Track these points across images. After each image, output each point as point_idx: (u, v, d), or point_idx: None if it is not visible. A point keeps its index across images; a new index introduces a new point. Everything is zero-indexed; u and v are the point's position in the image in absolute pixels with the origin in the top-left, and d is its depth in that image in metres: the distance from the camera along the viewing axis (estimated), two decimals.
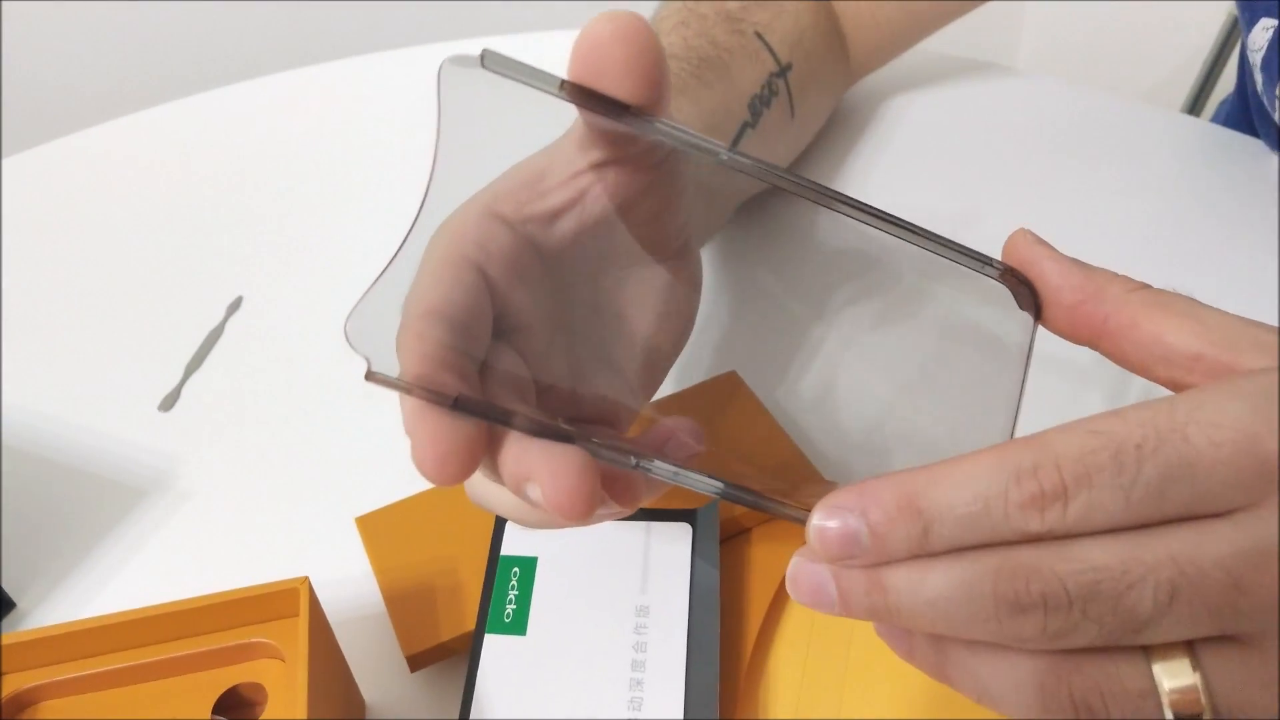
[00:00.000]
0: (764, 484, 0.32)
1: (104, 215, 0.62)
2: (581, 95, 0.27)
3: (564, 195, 0.30)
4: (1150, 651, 0.22)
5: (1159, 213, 0.55)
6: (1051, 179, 0.57)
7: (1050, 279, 0.27)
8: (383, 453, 0.46)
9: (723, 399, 0.44)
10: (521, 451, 0.25)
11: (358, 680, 0.38)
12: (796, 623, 0.38)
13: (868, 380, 0.40)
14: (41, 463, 0.48)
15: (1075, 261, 0.27)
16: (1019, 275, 0.28)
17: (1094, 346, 0.27)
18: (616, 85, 0.27)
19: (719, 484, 0.27)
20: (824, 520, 0.23)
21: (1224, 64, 0.83)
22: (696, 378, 0.45)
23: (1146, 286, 0.26)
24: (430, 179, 0.27)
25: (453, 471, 0.24)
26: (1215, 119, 0.71)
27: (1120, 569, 0.21)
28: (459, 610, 0.38)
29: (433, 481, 0.25)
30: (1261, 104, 0.54)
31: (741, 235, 0.52)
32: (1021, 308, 0.28)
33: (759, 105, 0.49)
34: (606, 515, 0.28)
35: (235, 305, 0.55)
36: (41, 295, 0.57)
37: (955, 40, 0.67)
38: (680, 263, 0.34)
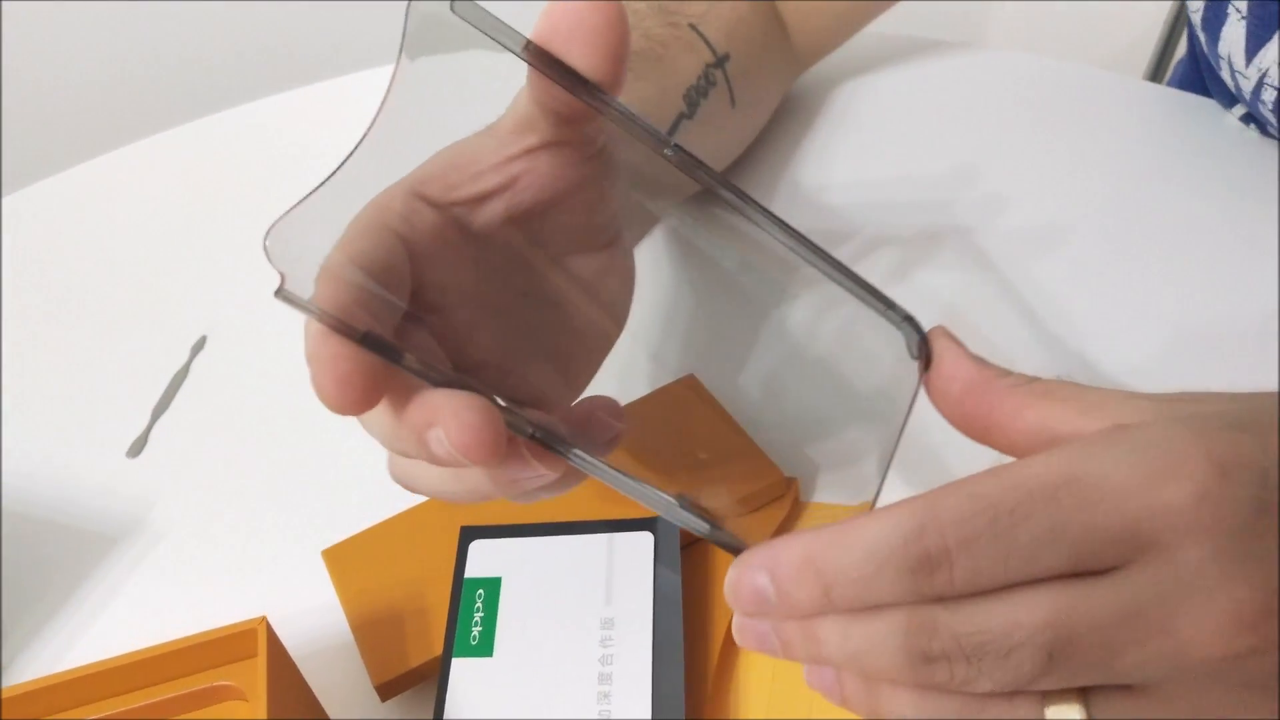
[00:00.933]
0: (699, 485, 0.33)
1: (59, 263, 0.62)
2: (543, 60, 0.27)
3: (494, 180, 0.30)
4: (1046, 695, 0.23)
5: (1119, 178, 0.54)
6: (1012, 152, 0.57)
7: (943, 369, 0.27)
8: (348, 484, 0.46)
9: (683, 402, 0.44)
10: (424, 399, 0.25)
11: (329, 712, 0.38)
12: None
13: (793, 383, 0.41)
14: (12, 517, 0.48)
15: (970, 357, 0.27)
16: (917, 327, 0.28)
17: (985, 440, 0.27)
18: (582, 52, 0.26)
19: (616, 473, 0.27)
20: (737, 578, 0.24)
21: (1184, 26, 0.82)
22: (657, 382, 0.45)
23: (1034, 379, 0.26)
24: (379, 110, 0.27)
25: (353, 397, 0.24)
26: (1171, 80, 0.70)
27: (1003, 632, 0.22)
28: (426, 636, 0.38)
29: (332, 407, 0.24)
30: (1210, 63, 0.54)
31: (691, 234, 0.52)
32: (912, 356, 0.29)
33: (695, 96, 0.49)
34: (534, 479, 0.27)
35: (200, 345, 0.55)
36: (3, 347, 0.57)
37: (922, 22, 0.67)
38: (611, 254, 0.33)
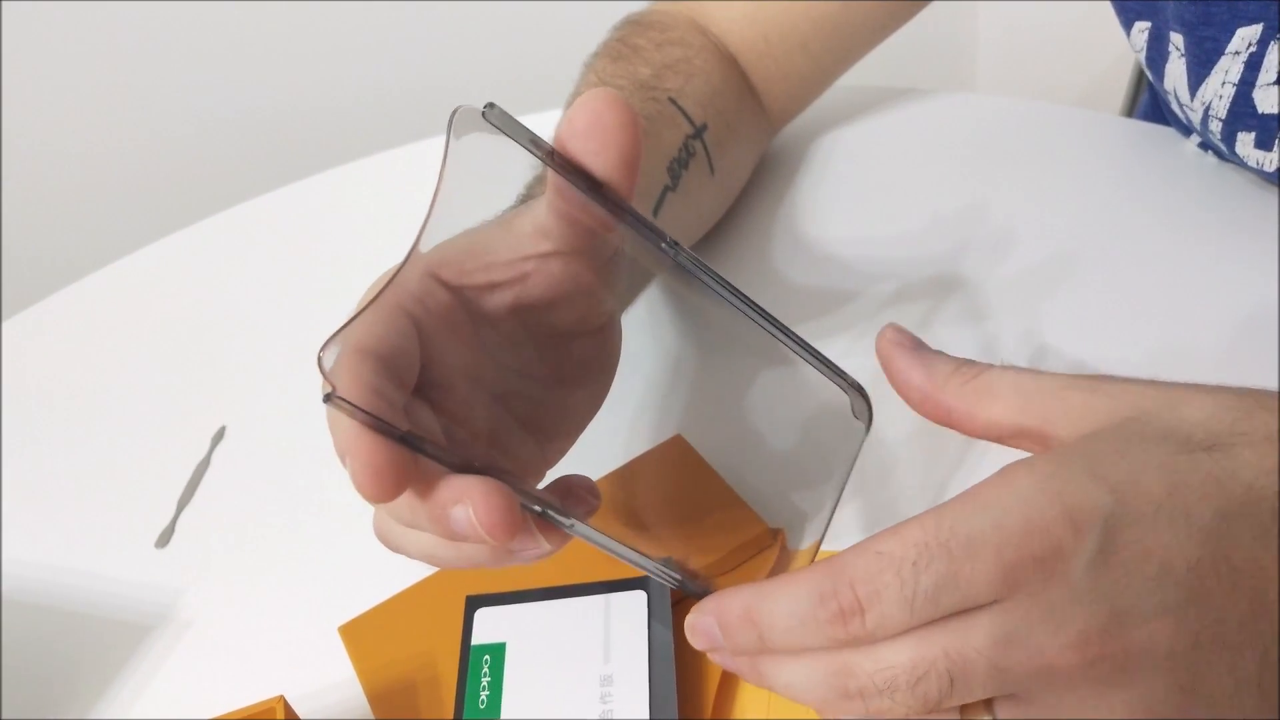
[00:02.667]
0: (692, 541, 0.35)
1: (83, 367, 0.65)
2: (564, 166, 0.30)
3: (506, 274, 0.33)
4: (961, 708, 0.27)
5: (1091, 208, 0.56)
6: (983, 191, 0.59)
7: (898, 378, 0.32)
8: (359, 562, 0.48)
9: (672, 462, 0.46)
10: (449, 482, 0.28)
11: None
12: None
13: (770, 440, 0.44)
14: (50, 611, 0.51)
15: (919, 360, 0.32)
16: (862, 391, 0.32)
17: (951, 428, 0.32)
18: (597, 150, 0.29)
19: (607, 539, 0.29)
20: (692, 621, 0.29)
21: None
22: (646, 444, 0.47)
23: (979, 374, 0.31)
24: (426, 220, 0.29)
25: (386, 488, 0.27)
26: (1137, 112, 0.72)
27: (909, 666, 0.26)
28: (438, 702, 0.40)
29: (367, 496, 0.27)
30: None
31: (675, 298, 0.55)
32: (856, 418, 0.32)
33: (677, 168, 0.52)
34: (535, 551, 0.30)
35: (219, 436, 0.58)
36: (32, 452, 0.60)
37: (899, 72, 0.69)
38: (602, 335, 0.36)
